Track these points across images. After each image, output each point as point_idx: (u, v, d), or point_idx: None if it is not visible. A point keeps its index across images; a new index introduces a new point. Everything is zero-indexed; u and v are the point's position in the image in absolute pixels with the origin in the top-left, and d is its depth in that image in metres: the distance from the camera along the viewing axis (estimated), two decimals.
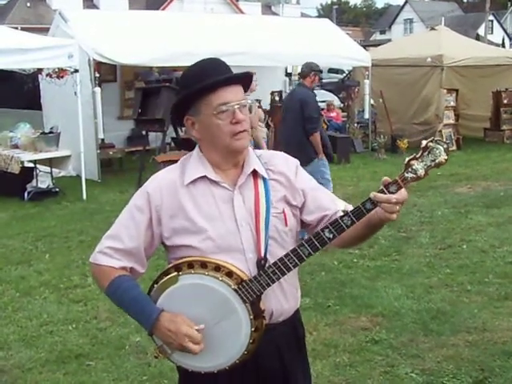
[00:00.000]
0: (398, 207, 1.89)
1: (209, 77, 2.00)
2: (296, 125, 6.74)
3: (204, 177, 2.06)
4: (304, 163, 5.89)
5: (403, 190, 1.90)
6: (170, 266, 2.05)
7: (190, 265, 2.01)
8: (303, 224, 2.18)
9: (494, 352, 4.18)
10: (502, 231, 7.04)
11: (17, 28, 12.82)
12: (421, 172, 1.89)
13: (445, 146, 1.89)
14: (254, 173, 2.10)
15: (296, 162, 2.22)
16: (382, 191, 1.89)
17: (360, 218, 1.92)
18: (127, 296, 2.04)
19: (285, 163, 2.18)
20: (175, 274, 2.02)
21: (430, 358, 4.15)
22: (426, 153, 1.89)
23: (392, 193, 1.88)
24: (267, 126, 11.37)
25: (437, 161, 1.89)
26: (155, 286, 2.06)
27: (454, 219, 7.62)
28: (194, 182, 2.06)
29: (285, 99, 7.17)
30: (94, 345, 4.51)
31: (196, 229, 2.02)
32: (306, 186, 2.17)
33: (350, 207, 2.06)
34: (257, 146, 7.62)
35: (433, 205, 8.34)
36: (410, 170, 1.89)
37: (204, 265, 1.99)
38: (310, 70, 6.92)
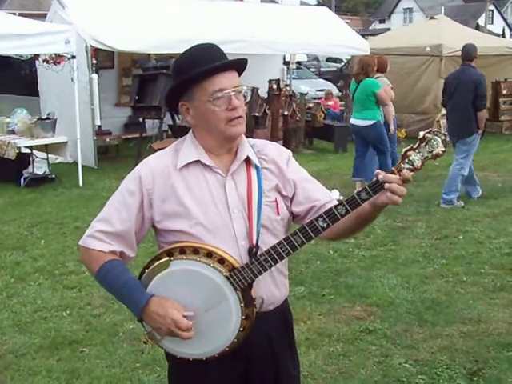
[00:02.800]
0: (405, 190, 1.87)
1: (204, 63, 1.99)
2: (467, 101, 7.64)
3: (197, 161, 2.05)
4: (467, 135, 7.13)
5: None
6: (162, 250, 2.04)
7: (182, 250, 2.00)
8: (292, 215, 2.17)
9: (488, 343, 4.18)
10: (499, 222, 7.04)
11: (15, 13, 12.67)
12: (417, 163, 1.88)
13: (443, 137, 1.88)
14: (247, 161, 2.10)
15: (288, 152, 2.21)
16: (377, 181, 1.88)
17: (355, 207, 1.91)
18: (117, 281, 2.03)
19: (277, 153, 2.17)
20: (167, 259, 2.01)
21: (424, 348, 4.15)
22: (424, 144, 1.88)
23: None
24: (264, 113, 11.29)
25: (434, 152, 1.88)
26: (146, 270, 2.05)
27: (450, 210, 7.61)
28: (187, 166, 2.05)
29: (452, 80, 8.03)
30: (88, 331, 4.50)
31: (187, 214, 2.02)
32: (297, 177, 2.16)
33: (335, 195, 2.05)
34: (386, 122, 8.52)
35: (429, 195, 8.32)
36: (406, 160, 1.88)
37: (196, 251, 1.98)
38: (476, 52, 7.87)
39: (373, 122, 8.17)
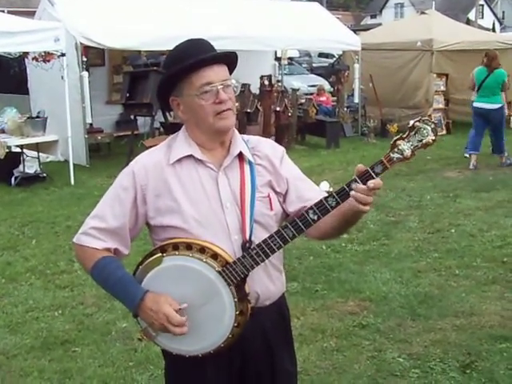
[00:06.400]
0: (370, 199, 1.86)
1: (191, 57, 1.98)
2: None
3: (190, 156, 2.05)
4: None
5: (378, 178, 1.85)
6: (156, 247, 2.04)
7: (175, 246, 2.00)
8: (284, 213, 2.16)
9: (480, 336, 4.19)
10: (491, 215, 7.06)
11: (3, 11, 12.58)
12: (407, 152, 1.85)
13: (432, 125, 1.85)
14: (240, 156, 2.09)
15: (282, 149, 2.21)
16: (367, 172, 1.85)
17: (345, 199, 1.89)
18: (112, 277, 2.02)
19: (271, 150, 2.17)
20: (160, 255, 2.01)
21: (418, 342, 4.15)
22: (413, 133, 1.85)
23: (378, 173, 1.85)
24: (256, 110, 11.26)
25: (424, 141, 1.85)
26: (140, 267, 2.05)
27: (442, 203, 7.63)
28: (179, 161, 2.05)
29: None
30: (80, 331, 4.48)
31: (180, 209, 2.01)
32: (290, 175, 2.15)
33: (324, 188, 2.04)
34: None
35: (422, 189, 8.33)
36: (396, 150, 1.85)
37: (189, 246, 1.98)
38: None
39: (500, 105, 9.77)
